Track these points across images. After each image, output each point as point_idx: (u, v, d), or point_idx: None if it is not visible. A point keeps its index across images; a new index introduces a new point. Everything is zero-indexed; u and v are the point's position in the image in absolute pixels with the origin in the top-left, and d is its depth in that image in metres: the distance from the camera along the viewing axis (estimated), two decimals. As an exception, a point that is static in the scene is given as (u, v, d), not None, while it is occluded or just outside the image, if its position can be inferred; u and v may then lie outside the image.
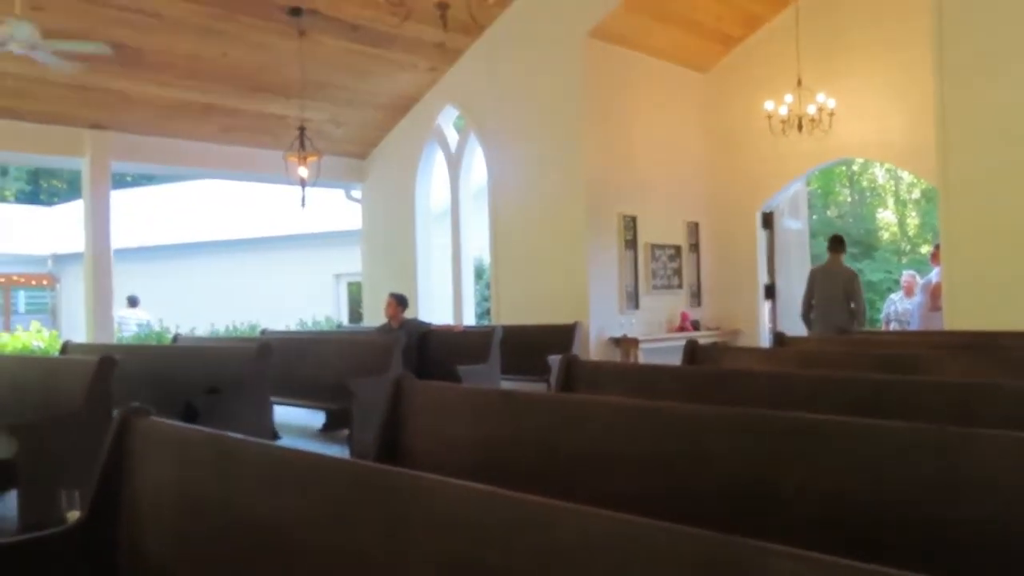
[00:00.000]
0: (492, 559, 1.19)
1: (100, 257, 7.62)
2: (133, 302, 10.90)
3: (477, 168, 9.00)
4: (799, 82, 7.43)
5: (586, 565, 1.09)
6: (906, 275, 9.30)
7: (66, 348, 5.88)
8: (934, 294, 7.20)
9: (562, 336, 6.81)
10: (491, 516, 1.22)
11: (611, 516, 1.09)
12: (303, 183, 7.14)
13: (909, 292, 8.67)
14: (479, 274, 10.99)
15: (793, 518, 1.66)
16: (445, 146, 9.02)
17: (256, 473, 1.64)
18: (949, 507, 1.47)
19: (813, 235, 11.90)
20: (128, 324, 10.24)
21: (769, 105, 7.48)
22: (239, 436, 1.77)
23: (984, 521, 1.42)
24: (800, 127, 7.43)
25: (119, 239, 9.08)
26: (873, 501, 1.58)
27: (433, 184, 9.41)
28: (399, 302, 6.91)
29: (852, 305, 6.81)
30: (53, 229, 16.89)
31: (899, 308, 8.72)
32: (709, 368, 3.16)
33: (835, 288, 6.89)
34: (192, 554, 1.72)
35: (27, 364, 4.81)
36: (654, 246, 8.14)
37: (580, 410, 2.19)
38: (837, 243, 7.23)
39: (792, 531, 1.53)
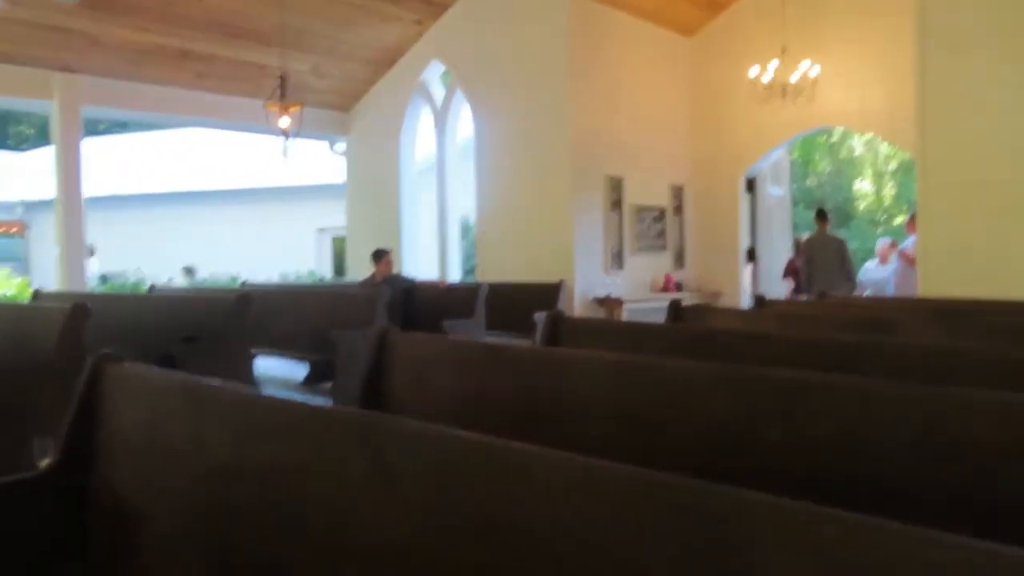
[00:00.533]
0: (472, 504, 1.18)
1: (71, 204, 7.43)
2: (89, 251, 10.68)
3: (464, 124, 8.87)
4: (783, 49, 7.37)
5: (565, 510, 1.08)
6: (881, 243, 9.40)
7: (37, 296, 5.75)
8: (910, 261, 7.32)
9: (547, 295, 6.80)
10: (471, 461, 1.20)
11: (591, 462, 1.08)
12: (285, 134, 6.97)
13: (884, 260, 8.77)
14: (464, 232, 10.92)
15: (774, 473, 1.67)
16: (431, 102, 8.86)
17: (231, 419, 1.61)
18: (928, 464, 1.48)
19: (794, 203, 11.99)
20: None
21: (754, 71, 7.42)
22: (213, 382, 1.73)
23: (961, 477, 1.44)
24: (784, 94, 7.40)
25: (93, 187, 8.86)
26: (854, 458, 1.59)
27: (419, 140, 9.27)
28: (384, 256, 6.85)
29: (847, 269, 7.39)
30: (22, 175, 16.44)
31: (874, 276, 8.83)
32: (693, 326, 3.16)
33: (830, 255, 7.42)
34: (168, 500, 1.70)
35: (-3, 311, 4.70)
36: (639, 208, 8.12)
37: (564, 364, 2.18)
38: (824, 215, 7.74)
39: (773, 486, 1.55)
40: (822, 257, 7.44)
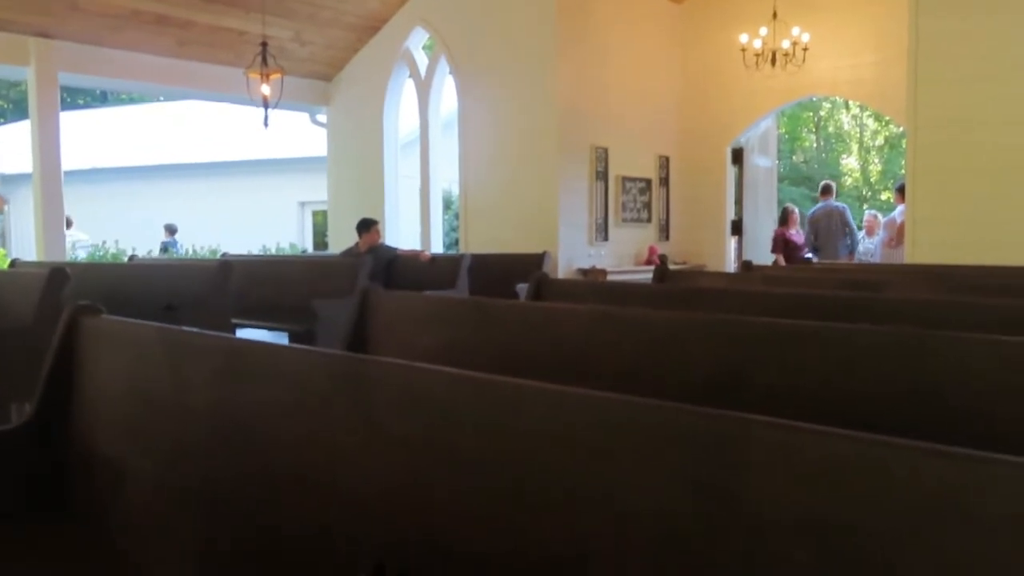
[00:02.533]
0: (461, 439, 1.16)
1: (49, 172, 7.25)
2: (67, 223, 10.47)
3: (448, 96, 8.74)
4: (775, 14, 7.31)
5: (557, 441, 1.05)
6: (868, 215, 9.46)
7: (15, 265, 5.64)
8: (898, 231, 7.36)
9: (530, 265, 6.73)
10: (458, 397, 1.18)
11: (581, 392, 1.06)
12: (265, 102, 6.84)
13: (871, 232, 8.83)
14: (447, 205, 10.83)
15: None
16: (415, 71, 8.72)
17: (210, 365, 1.57)
18: (922, 407, 1.48)
19: (780, 179, 12.03)
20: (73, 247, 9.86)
21: (744, 38, 7.36)
22: (192, 329, 1.69)
23: (951, 419, 1.44)
24: (774, 62, 7.35)
25: (73, 160, 8.69)
26: (842, 403, 1.58)
27: (402, 111, 9.14)
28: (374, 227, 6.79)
29: (850, 234, 8.11)
30: (-1, 149, 16.09)
31: (861, 248, 8.88)
32: (680, 285, 3.15)
33: (835, 225, 8.11)
34: (147, 447, 1.67)
35: (-28, 277, 4.60)
36: (625, 178, 8.08)
37: (550, 318, 2.16)
38: (828, 188, 8.60)
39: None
40: (827, 227, 8.06)
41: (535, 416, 1.09)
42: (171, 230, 11.83)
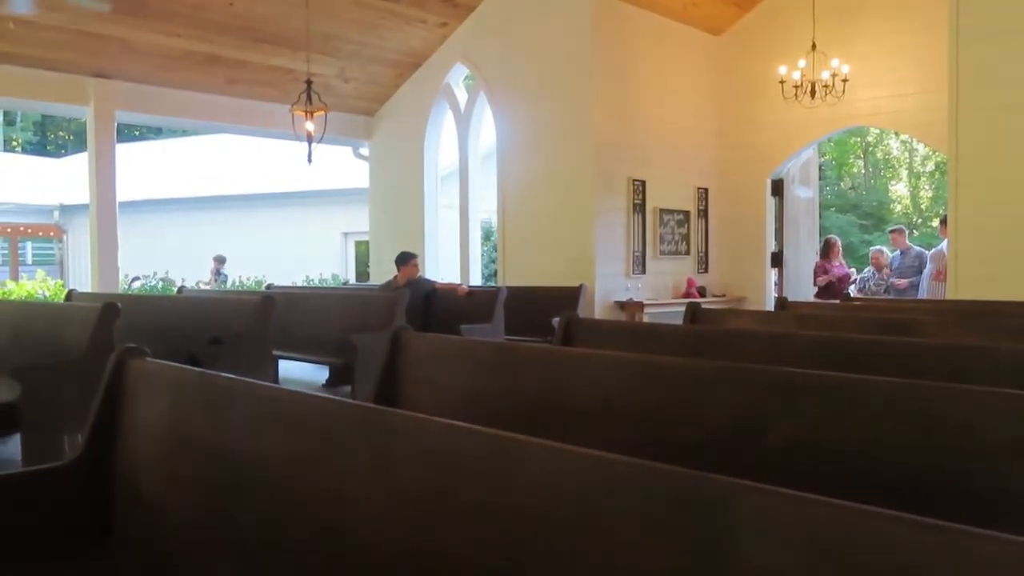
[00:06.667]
0: (469, 494, 1.21)
1: (105, 207, 7.62)
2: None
3: (486, 128, 8.91)
4: (813, 46, 7.29)
5: (556, 498, 1.10)
6: (874, 249, 9.20)
7: (71, 296, 5.92)
8: (945, 264, 7.18)
9: (567, 298, 6.79)
10: (469, 451, 1.23)
11: (580, 451, 1.10)
12: (309, 138, 7.07)
13: (878, 267, 8.52)
14: (487, 236, 10.96)
15: (779, 470, 1.67)
16: (455, 105, 8.92)
17: (246, 412, 1.66)
18: (932, 460, 1.47)
19: (826, 206, 11.83)
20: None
21: (782, 70, 7.35)
22: (230, 376, 1.78)
23: (963, 473, 1.43)
24: (813, 93, 7.31)
25: (127, 191, 9.09)
26: (857, 453, 1.58)
27: (442, 144, 9.34)
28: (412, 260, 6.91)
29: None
30: (60, 180, 16.89)
31: (870, 285, 8.56)
32: (707, 327, 3.16)
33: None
34: (184, 491, 1.75)
35: (30, 310, 4.85)
36: (663, 211, 8.09)
37: (576, 363, 2.20)
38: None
39: (779, 483, 1.54)
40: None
41: (535, 472, 1.13)
42: (220, 260, 12.25)
